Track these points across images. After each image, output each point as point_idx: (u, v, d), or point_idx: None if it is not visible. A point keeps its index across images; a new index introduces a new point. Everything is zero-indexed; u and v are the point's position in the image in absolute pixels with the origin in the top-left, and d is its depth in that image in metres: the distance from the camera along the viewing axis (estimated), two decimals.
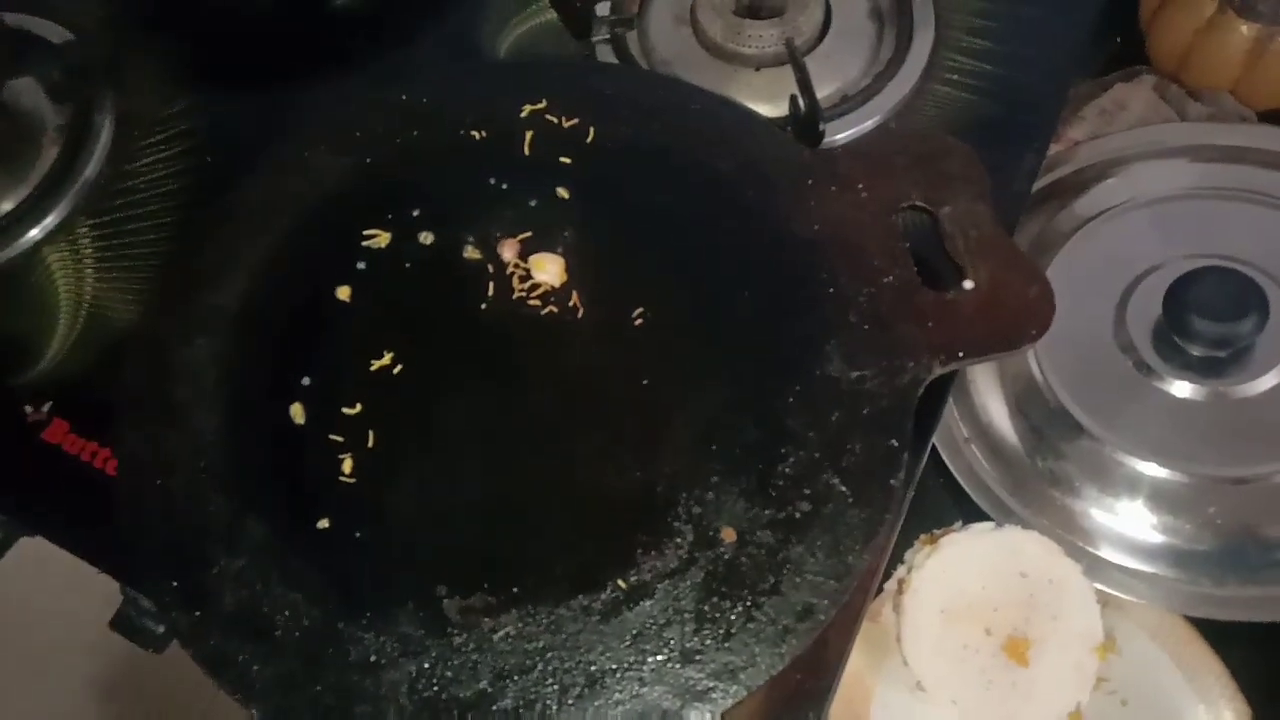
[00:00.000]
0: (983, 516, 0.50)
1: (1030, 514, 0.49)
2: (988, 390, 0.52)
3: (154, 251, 0.52)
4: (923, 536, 0.48)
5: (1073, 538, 0.48)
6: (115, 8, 0.61)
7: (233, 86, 0.57)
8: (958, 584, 0.46)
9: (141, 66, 0.58)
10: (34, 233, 0.53)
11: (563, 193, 0.46)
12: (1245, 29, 0.57)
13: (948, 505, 0.51)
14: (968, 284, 0.42)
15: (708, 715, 0.36)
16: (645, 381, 0.42)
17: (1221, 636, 0.46)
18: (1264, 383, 0.47)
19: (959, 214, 0.44)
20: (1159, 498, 0.47)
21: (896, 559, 0.49)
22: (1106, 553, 0.48)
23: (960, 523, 0.49)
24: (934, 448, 0.51)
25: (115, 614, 0.48)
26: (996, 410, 0.52)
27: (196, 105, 0.56)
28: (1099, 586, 0.47)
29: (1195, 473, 0.46)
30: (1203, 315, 0.46)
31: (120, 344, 0.49)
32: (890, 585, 0.48)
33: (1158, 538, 0.47)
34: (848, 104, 0.53)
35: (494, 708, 0.36)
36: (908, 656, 0.45)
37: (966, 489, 0.50)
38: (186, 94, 0.57)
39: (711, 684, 0.36)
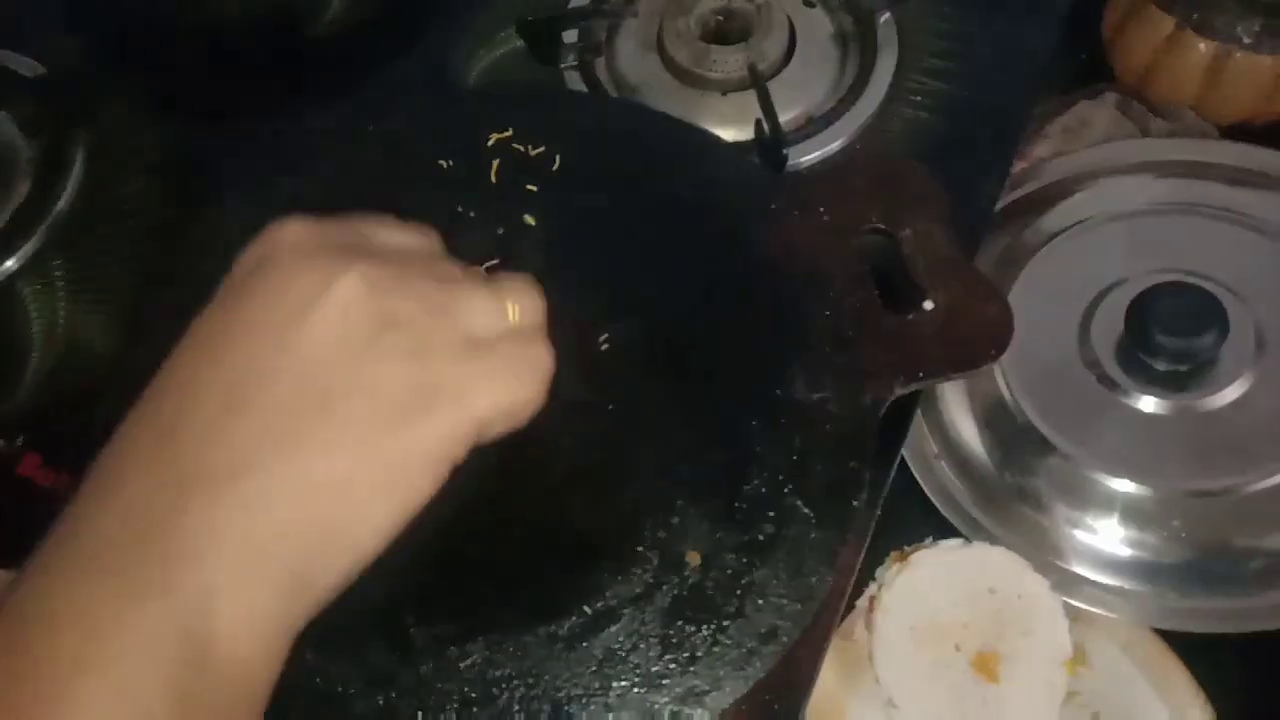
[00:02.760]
0: (955, 532, 0.50)
1: (1001, 529, 0.50)
2: (957, 407, 0.53)
3: (127, 284, 0.52)
4: (894, 554, 0.49)
5: (1042, 553, 0.48)
6: (88, 41, 0.61)
7: (204, 119, 0.57)
8: (928, 601, 0.46)
9: (114, 100, 0.59)
10: (8, 264, 0.54)
11: (529, 220, 0.47)
12: (1204, 46, 0.58)
13: (921, 521, 0.52)
14: (928, 305, 0.43)
15: None
16: (610, 407, 0.42)
17: (1191, 648, 0.47)
18: (1226, 396, 0.48)
19: (919, 236, 0.44)
20: (1126, 512, 0.47)
21: (868, 576, 0.49)
22: (1076, 567, 0.48)
23: (931, 539, 0.49)
24: (905, 464, 0.51)
25: None
26: (966, 427, 0.52)
27: (169, 138, 0.57)
28: (1069, 601, 0.47)
29: (1161, 487, 0.47)
30: (1163, 330, 0.47)
31: (94, 376, 0.49)
32: (862, 603, 0.48)
33: (1126, 551, 0.47)
34: (813, 126, 0.54)
35: None
36: (880, 674, 0.45)
37: (937, 505, 0.51)
38: (159, 127, 0.57)
39: (677, 708, 0.36)
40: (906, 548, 0.49)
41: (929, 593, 0.46)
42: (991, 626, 0.46)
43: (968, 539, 0.49)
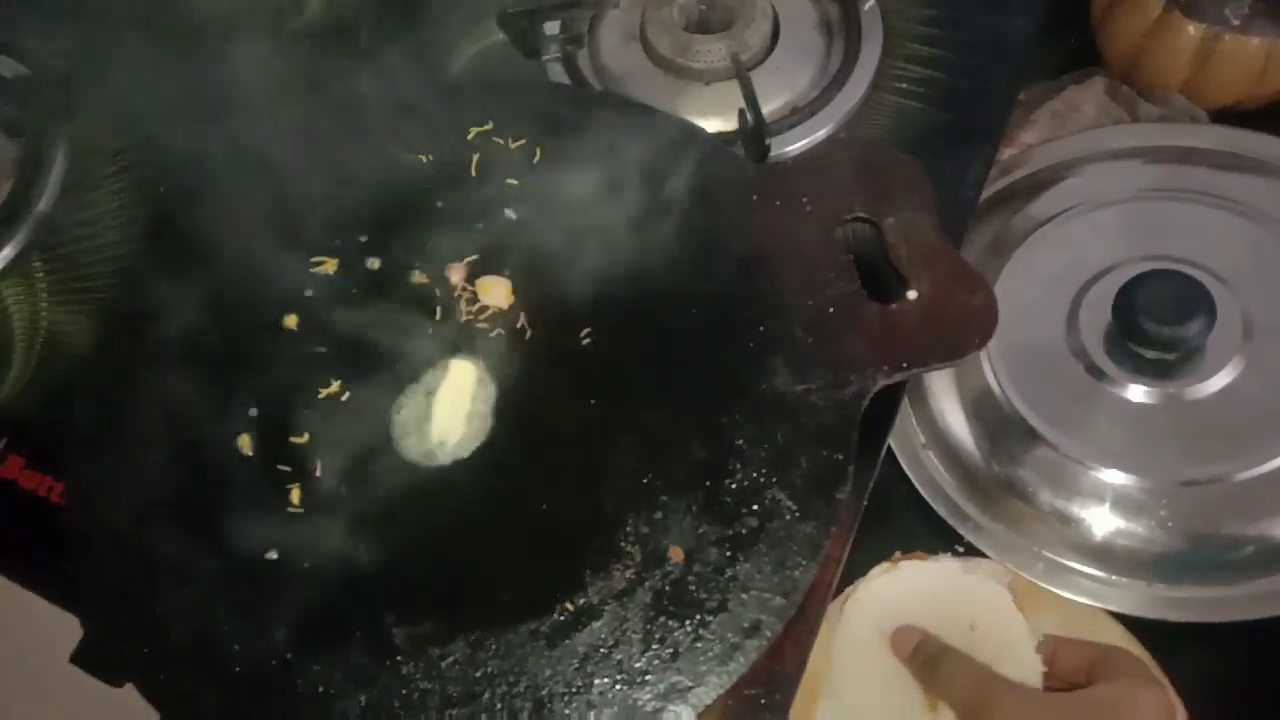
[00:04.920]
0: (943, 524, 0.50)
1: (987, 519, 0.49)
2: (944, 397, 0.52)
3: (108, 284, 0.52)
4: (897, 555, 0.48)
5: (1030, 543, 0.48)
6: (70, 42, 0.61)
7: (184, 118, 0.57)
8: (905, 610, 0.45)
9: (96, 100, 0.58)
10: None
11: (510, 214, 0.47)
12: (1192, 29, 0.57)
13: (909, 513, 0.51)
14: (911, 294, 0.43)
15: None
16: (593, 402, 0.42)
17: (1164, 642, 0.46)
18: (1214, 384, 0.47)
19: (902, 224, 0.44)
20: (1114, 502, 0.47)
21: (857, 572, 0.49)
22: (1064, 557, 0.48)
23: (947, 555, 0.48)
24: (893, 455, 0.51)
25: (76, 648, 0.47)
26: (953, 417, 0.52)
27: (149, 137, 0.56)
28: (1055, 590, 0.47)
29: (1149, 476, 0.46)
30: (1150, 318, 0.47)
31: (75, 378, 0.49)
32: (848, 590, 0.48)
33: (1114, 541, 0.47)
34: (797, 115, 0.53)
35: None
36: (834, 659, 0.45)
37: (925, 496, 0.51)
38: (140, 126, 0.57)
39: (659, 705, 0.36)
40: (901, 553, 0.48)
41: (909, 603, 0.45)
42: None
43: (961, 542, 0.48)
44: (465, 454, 0.42)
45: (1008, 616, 0.44)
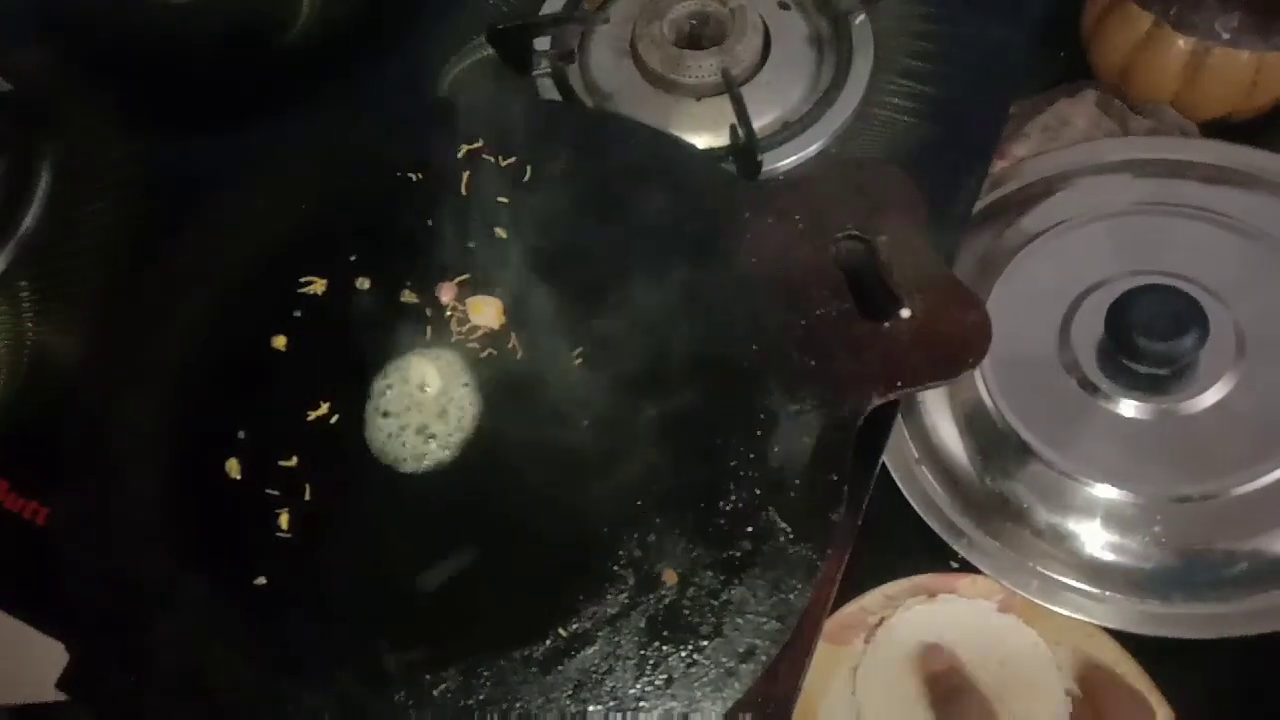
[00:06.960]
0: (936, 539, 0.49)
1: (981, 535, 0.49)
2: (937, 411, 0.52)
3: (95, 304, 0.51)
4: (921, 580, 0.48)
5: (1022, 558, 0.48)
6: (56, 56, 0.60)
7: (175, 132, 0.56)
8: (938, 639, 0.45)
9: (83, 114, 0.58)
10: None
11: (501, 233, 0.46)
12: (1182, 43, 0.57)
13: (903, 528, 0.51)
14: (905, 313, 0.42)
15: None
16: (585, 423, 0.42)
17: (1158, 658, 0.46)
18: (1206, 399, 0.47)
19: (895, 242, 0.44)
20: (1107, 517, 0.47)
21: (851, 589, 0.48)
22: (1057, 573, 0.47)
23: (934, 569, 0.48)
24: (886, 470, 0.51)
25: (62, 674, 0.47)
26: (946, 431, 0.52)
27: (139, 152, 0.56)
28: (1049, 606, 0.47)
29: (1142, 492, 0.46)
30: (1143, 334, 0.46)
31: (60, 400, 0.48)
32: (871, 619, 0.48)
33: (1106, 557, 0.47)
34: (789, 131, 0.53)
35: None
36: (858, 685, 0.45)
37: (919, 511, 0.50)
38: (128, 141, 0.56)
39: None
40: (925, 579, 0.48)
41: (942, 634, 0.46)
42: (984, 694, 0.45)
43: (956, 558, 0.48)
44: (453, 452, 0.41)
45: (1038, 657, 0.44)
